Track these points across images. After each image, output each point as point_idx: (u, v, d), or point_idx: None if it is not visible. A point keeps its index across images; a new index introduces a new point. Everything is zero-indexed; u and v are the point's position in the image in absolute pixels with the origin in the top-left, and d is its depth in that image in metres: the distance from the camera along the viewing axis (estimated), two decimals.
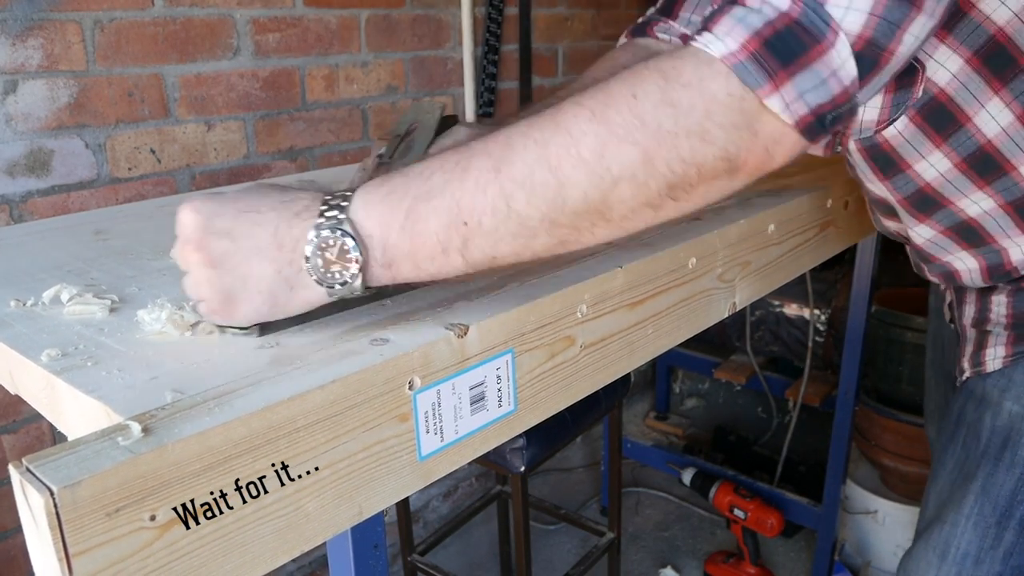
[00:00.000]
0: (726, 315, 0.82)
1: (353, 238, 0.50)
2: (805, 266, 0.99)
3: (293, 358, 0.50)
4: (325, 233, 0.50)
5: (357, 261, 0.50)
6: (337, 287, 0.51)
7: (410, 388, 0.51)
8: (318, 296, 0.52)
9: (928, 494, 0.86)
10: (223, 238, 0.51)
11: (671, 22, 0.89)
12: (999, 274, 0.77)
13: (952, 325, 0.90)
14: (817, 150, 0.70)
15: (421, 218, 0.50)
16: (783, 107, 0.48)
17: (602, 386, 0.68)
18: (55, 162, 1.22)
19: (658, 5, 0.92)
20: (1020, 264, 0.75)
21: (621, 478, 1.64)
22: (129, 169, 1.31)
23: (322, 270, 0.51)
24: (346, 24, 1.58)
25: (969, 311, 0.83)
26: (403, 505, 1.54)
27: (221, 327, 0.55)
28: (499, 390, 0.58)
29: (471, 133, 0.74)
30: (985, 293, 0.80)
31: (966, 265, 0.79)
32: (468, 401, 0.56)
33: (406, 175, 0.52)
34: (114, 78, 1.27)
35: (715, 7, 0.51)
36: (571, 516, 1.73)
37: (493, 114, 1.93)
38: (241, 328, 0.54)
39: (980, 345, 0.81)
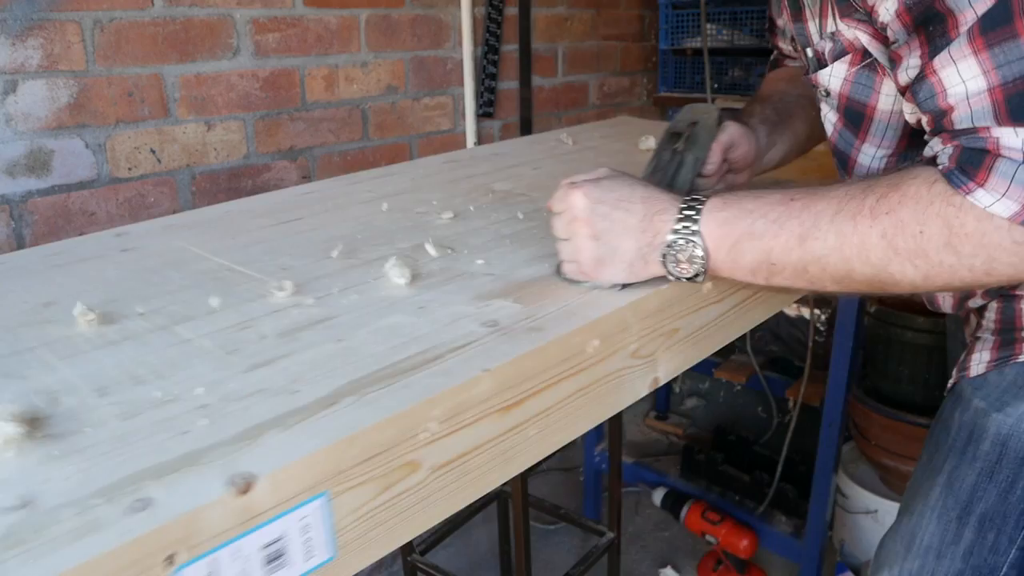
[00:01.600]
0: (645, 392, 0.72)
1: (701, 251, 0.67)
2: (755, 320, 0.88)
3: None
4: (680, 241, 0.67)
5: (697, 267, 0.67)
6: (676, 277, 0.69)
7: (170, 564, 0.41)
8: (661, 274, 0.69)
9: (906, 490, 0.88)
10: (605, 219, 0.68)
11: (783, 53, 1.08)
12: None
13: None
14: None
15: (742, 252, 0.66)
16: None
17: (465, 505, 0.58)
18: (55, 162, 1.22)
19: (771, 59, 1.11)
20: None
21: (621, 477, 1.63)
22: (129, 169, 1.31)
23: (672, 264, 0.68)
24: (346, 24, 1.58)
25: (973, 319, 0.84)
26: None
27: (579, 282, 0.71)
28: (307, 541, 0.48)
29: (743, 132, 0.89)
30: (1001, 300, 0.81)
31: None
32: (262, 562, 0.45)
33: (740, 207, 0.66)
34: (114, 78, 1.27)
35: (957, 149, 0.59)
36: (571, 516, 1.73)
37: (493, 114, 1.93)
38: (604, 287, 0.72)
39: (969, 350, 0.82)
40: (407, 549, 1.57)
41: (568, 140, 1.37)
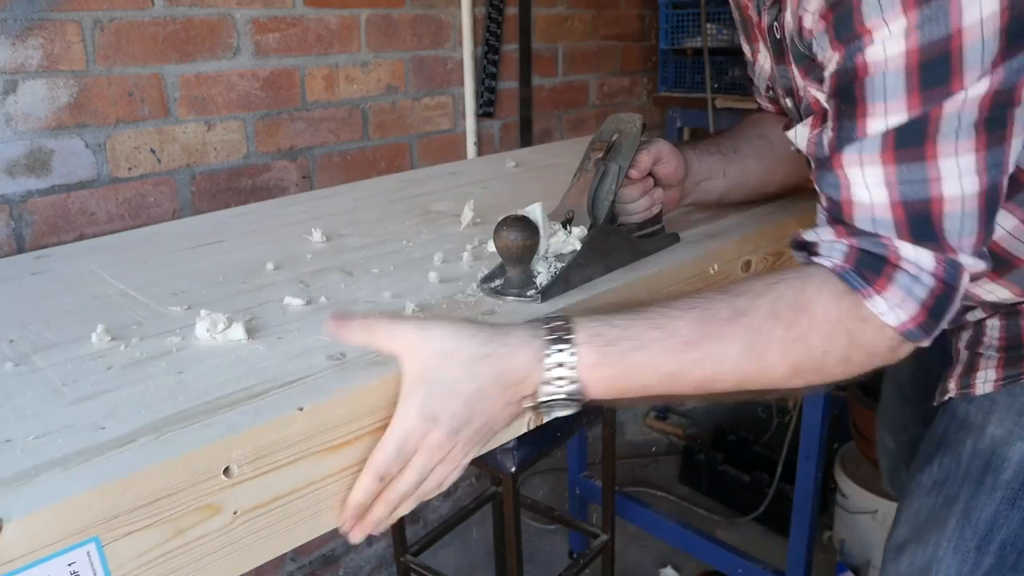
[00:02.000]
0: (525, 429, 0.67)
1: (580, 403, 0.59)
2: None
3: None
4: (557, 410, 0.60)
5: (574, 411, 0.60)
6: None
7: None
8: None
9: (901, 511, 0.86)
10: (473, 434, 0.58)
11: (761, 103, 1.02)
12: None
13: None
14: None
15: (631, 390, 0.60)
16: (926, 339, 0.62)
17: (293, 547, 0.55)
18: (55, 162, 1.22)
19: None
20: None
21: (615, 480, 1.63)
22: (129, 169, 1.31)
23: (549, 411, 0.61)
24: (346, 24, 1.58)
25: (965, 334, 0.83)
26: None
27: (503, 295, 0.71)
28: None
29: (671, 149, 0.85)
30: (1003, 316, 0.80)
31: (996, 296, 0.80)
32: None
33: (622, 349, 0.59)
34: (114, 78, 1.27)
35: (853, 249, 0.61)
36: (565, 518, 1.73)
37: (493, 114, 1.93)
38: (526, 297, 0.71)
39: (971, 367, 0.80)
40: (400, 550, 1.57)
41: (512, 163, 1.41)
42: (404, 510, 0.60)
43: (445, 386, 0.55)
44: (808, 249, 0.65)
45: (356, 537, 0.59)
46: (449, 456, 0.58)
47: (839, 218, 0.63)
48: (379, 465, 0.56)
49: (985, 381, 0.78)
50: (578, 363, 0.58)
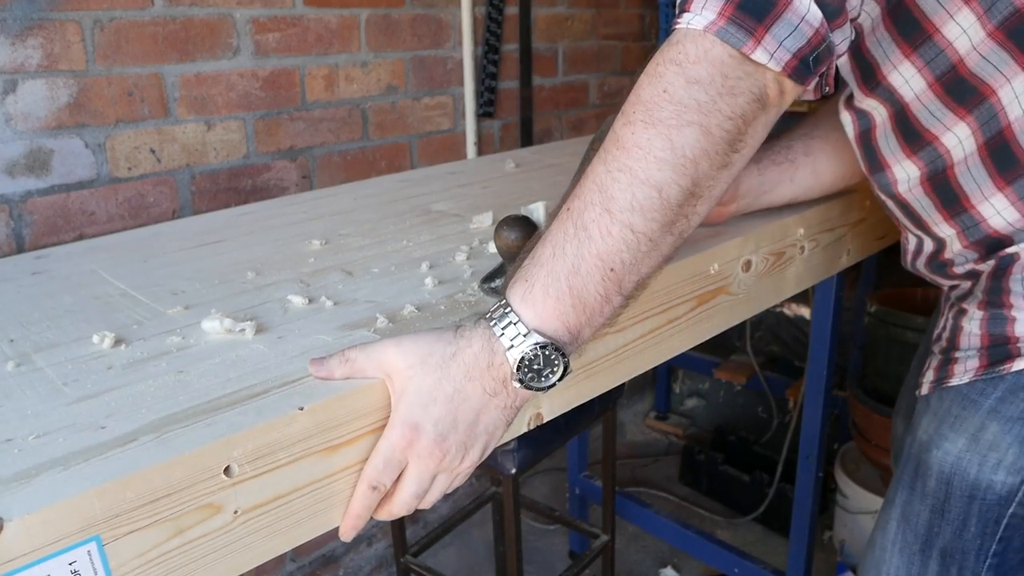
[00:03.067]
0: (525, 429, 0.67)
1: (561, 359, 0.56)
2: (676, 349, 0.82)
3: None
4: (546, 374, 0.56)
5: (556, 361, 0.56)
6: (548, 384, 0.57)
7: None
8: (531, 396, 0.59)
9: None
10: (460, 446, 0.57)
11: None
12: (982, 247, 0.73)
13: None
14: (809, 94, 0.70)
15: (584, 291, 0.55)
16: (768, 58, 0.54)
17: (291, 547, 0.54)
18: (55, 162, 1.22)
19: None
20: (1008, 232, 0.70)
21: (615, 480, 1.63)
22: (129, 169, 1.31)
23: (536, 380, 0.57)
24: (346, 24, 1.58)
25: (940, 324, 0.79)
26: None
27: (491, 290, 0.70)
28: None
29: None
30: (955, 312, 0.77)
31: (944, 232, 0.76)
32: None
33: (539, 260, 0.56)
34: (114, 78, 1.27)
35: None
36: (565, 518, 1.73)
37: (493, 114, 1.93)
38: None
39: (926, 365, 0.79)
40: (400, 550, 1.57)
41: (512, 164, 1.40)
42: (401, 513, 0.60)
43: (424, 393, 0.55)
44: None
45: (348, 536, 0.59)
46: (445, 463, 0.57)
47: None
48: (369, 475, 0.56)
49: (928, 381, 0.76)
50: (513, 304, 0.56)
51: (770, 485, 2.04)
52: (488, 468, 1.36)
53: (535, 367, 0.56)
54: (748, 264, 0.89)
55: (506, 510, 1.36)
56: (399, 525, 1.56)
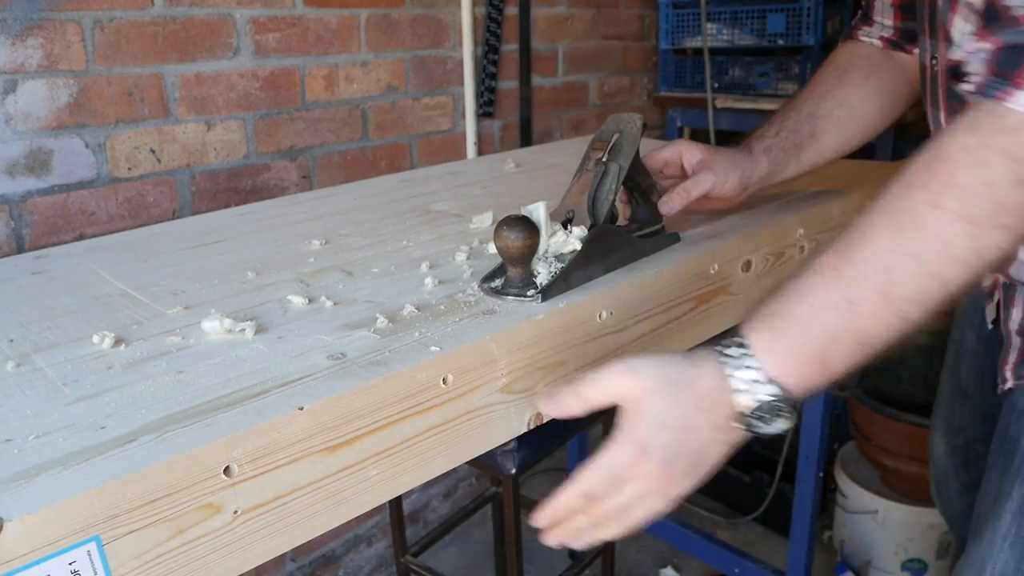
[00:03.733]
0: (525, 429, 0.67)
1: (791, 412, 0.56)
2: (676, 349, 0.83)
3: None
4: (758, 414, 0.57)
5: (786, 417, 0.57)
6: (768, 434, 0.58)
7: None
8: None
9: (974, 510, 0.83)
10: (680, 459, 0.57)
11: (869, 28, 0.99)
12: None
13: (993, 327, 0.86)
14: None
15: (833, 359, 0.56)
16: None
17: (292, 547, 0.54)
18: (55, 162, 1.22)
19: (859, 14, 1.02)
20: None
21: None
22: (129, 169, 1.31)
23: (762, 426, 0.57)
24: (346, 24, 1.58)
25: (1017, 315, 0.78)
26: (396, 505, 1.53)
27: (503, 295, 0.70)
28: None
29: (699, 147, 0.84)
30: None
31: None
32: None
33: (792, 316, 0.56)
34: (114, 78, 1.27)
35: (994, 50, 0.52)
36: None
37: (493, 114, 1.93)
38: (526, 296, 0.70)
39: (1009, 360, 0.77)
40: (400, 550, 1.57)
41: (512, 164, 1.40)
42: (607, 534, 0.61)
43: (656, 417, 0.56)
44: (959, 78, 0.57)
45: (551, 540, 0.61)
46: (662, 488, 0.58)
47: (994, 13, 0.54)
48: (586, 485, 0.58)
49: (1019, 375, 0.74)
50: (754, 351, 0.56)
51: (770, 485, 2.04)
52: (488, 468, 1.36)
53: (762, 412, 0.57)
54: (748, 264, 0.89)
55: (506, 510, 1.36)
56: (399, 525, 1.56)
